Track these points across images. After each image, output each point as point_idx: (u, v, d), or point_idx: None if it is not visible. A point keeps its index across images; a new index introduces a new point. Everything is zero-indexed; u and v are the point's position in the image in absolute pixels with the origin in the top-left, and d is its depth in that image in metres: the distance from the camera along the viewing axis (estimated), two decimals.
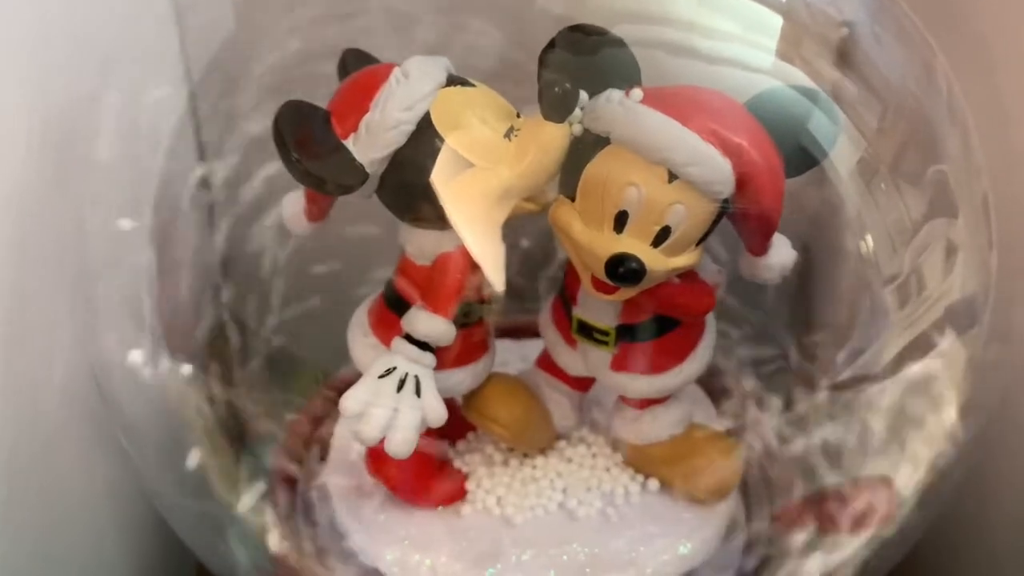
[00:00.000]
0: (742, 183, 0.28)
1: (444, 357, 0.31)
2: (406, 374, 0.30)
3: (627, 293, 0.30)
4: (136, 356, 0.32)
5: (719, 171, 0.27)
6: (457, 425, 0.36)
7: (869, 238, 0.33)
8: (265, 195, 0.35)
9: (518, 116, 0.30)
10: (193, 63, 0.38)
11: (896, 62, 0.34)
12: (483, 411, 0.35)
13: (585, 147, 0.29)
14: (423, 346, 0.30)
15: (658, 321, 0.33)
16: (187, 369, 0.34)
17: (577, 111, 0.29)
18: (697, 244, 0.29)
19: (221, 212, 0.37)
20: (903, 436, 0.33)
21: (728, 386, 0.40)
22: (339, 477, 0.36)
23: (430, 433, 0.31)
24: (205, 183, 0.37)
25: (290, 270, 0.37)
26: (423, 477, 0.35)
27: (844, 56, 0.33)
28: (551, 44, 0.29)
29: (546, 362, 0.36)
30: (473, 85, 0.30)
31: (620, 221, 0.28)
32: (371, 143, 0.29)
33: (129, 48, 0.35)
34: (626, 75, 0.29)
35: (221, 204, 0.37)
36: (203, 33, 0.37)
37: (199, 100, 0.37)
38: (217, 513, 0.33)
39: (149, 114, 0.35)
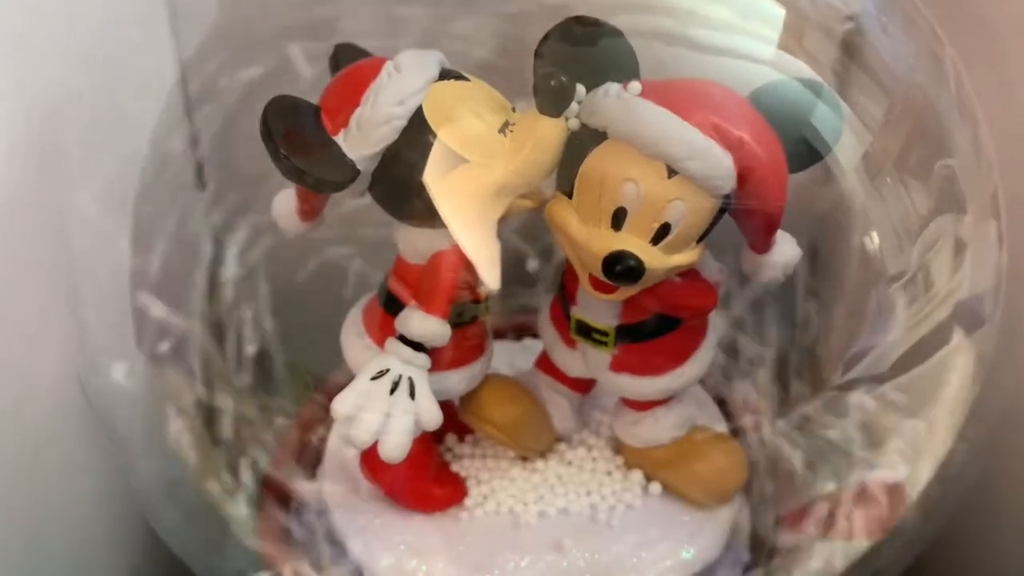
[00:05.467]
0: (744, 178, 0.27)
1: (439, 359, 0.30)
2: (400, 376, 0.29)
3: (626, 292, 0.29)
4: (122, 362, 0.32)
5: (720, 166, 0.27)
6: (454, 428, 0.36)
7: (875, 235, 0.33)
8: (259, 188, 0.34)
9: (513, 110, 0.29)
10: (183, 45, 0.37)
11: (903, 53, 0.33)
12: (479, 413, 0.34)
13: (582, 142, 0.28)
14: (417, 347, 0.29)
15: (659, 321, 0.32)
16: (175, 374, 0.33)
17: (574, 105, 0.28)
18: (698, 241, 0.29)
19: (212, 206, 0.36)
20: (910, 437, 0.32)
21: (731, 387, 0.40)
22: (333, 482, 0.36)
23: (426, 436, 0.30)
24: (198, 177, 0.36)
25: (281, 270, 0.37)
26: (420, 481, 0.34)
27: (849, 47, 0.32)
28: (547, 36, 0.28)
29: (545, 363, 0.36)
30: (467, 79, 0.29)
31: (618, 218, 0.28)
32: (362, 139, 0.28)
33: (117, 32, 0.34)
34: (624, 68, 0.28)
35: (212, 198, 0.36)
36: (193, 15, 0.36)
37: (189, 84, 0.36)
38: (208, 520, 0.33)
39: (137, 100, 0.34)
